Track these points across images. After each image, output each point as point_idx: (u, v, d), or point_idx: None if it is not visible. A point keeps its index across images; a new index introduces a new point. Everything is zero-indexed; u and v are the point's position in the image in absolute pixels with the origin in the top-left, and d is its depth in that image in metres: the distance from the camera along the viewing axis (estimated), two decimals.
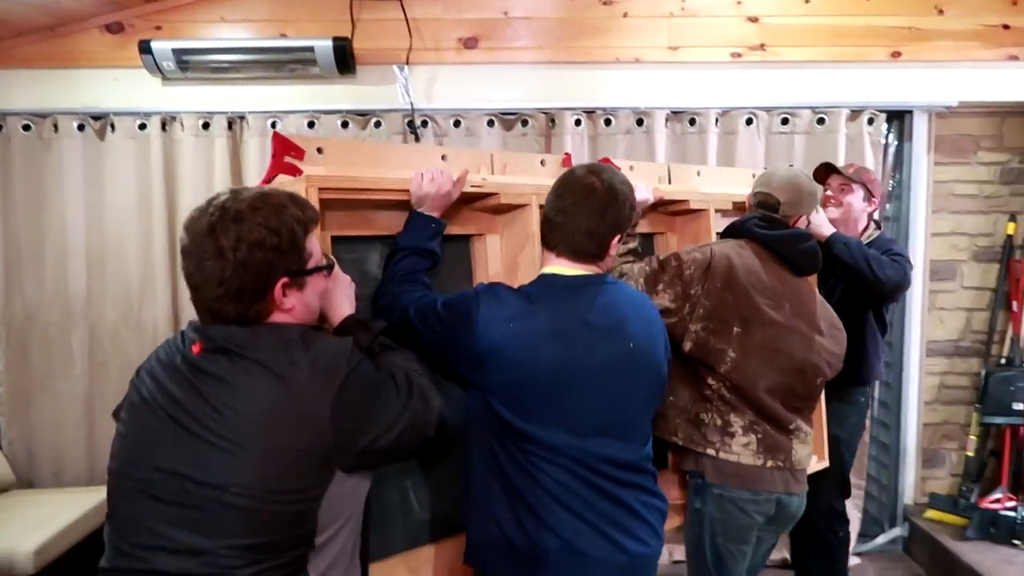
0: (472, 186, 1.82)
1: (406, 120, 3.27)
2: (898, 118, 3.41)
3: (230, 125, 3.25)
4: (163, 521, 1.22)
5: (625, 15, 3.27)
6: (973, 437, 3.52)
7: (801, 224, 2.17)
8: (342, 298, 1.52)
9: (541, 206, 1.78)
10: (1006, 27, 3.30)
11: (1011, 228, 3.51)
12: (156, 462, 1.24)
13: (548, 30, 3.28)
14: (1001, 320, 3.55)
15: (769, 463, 1.95)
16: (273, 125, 3.24)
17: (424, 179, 1.73)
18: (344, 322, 1.50)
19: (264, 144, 3.22)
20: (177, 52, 3.07)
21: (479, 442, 1.60)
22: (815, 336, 2.02)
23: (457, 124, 3.31)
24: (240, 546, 1.21)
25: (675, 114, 3.33)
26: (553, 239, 1.64)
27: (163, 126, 3.21)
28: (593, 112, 3.31)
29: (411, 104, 3.23)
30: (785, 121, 3.31)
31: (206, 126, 3.22)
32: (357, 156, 1.78)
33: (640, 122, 3.29)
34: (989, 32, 3.30)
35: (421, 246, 1.73)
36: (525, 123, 3.32)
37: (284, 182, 1.63)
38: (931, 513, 3.49)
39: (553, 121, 3.31)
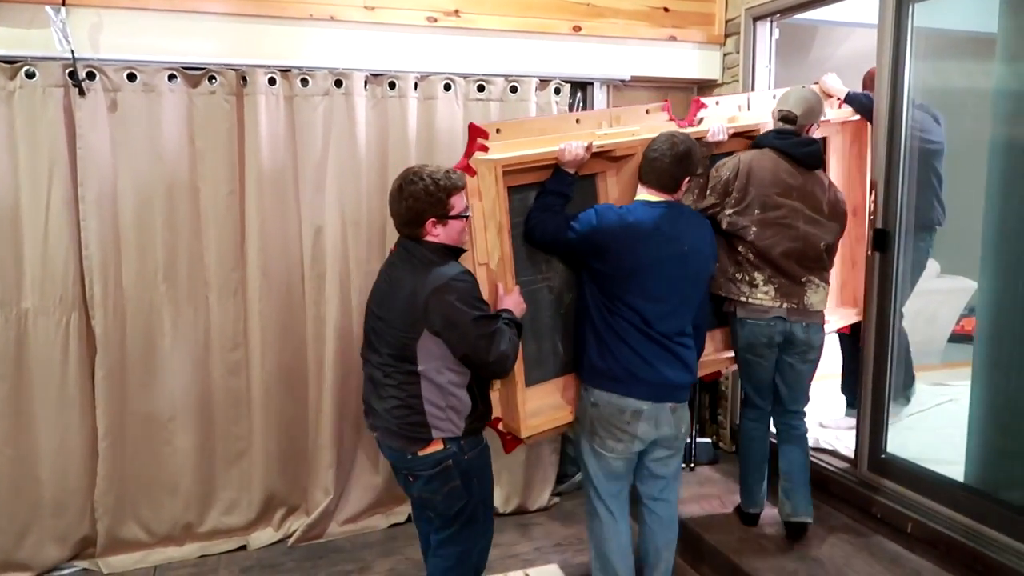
0: (597, 147, 2.57)
1: (67, 71, 2.87)
2: (581, 89, 3.68)
3: None
4: (371, 336, 2.37)
5: None
6: None
7: (813, 132, 2.94)
8: (510, 304, 2.41)
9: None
10: (667, 10, 3.70)
11: None
12: (370, 306, 2.39)
13: None
14: None
15: (785, 305, 2.85)
16: None
17: (566, 151, 2.50)
18: (500, 310, 2.38)
19: None
20: None
21: (585, 309, 2.53)
22: (817, 216, 2.84)
23: (132, 78, 2.97)
24: (387, 354, 2.29)
25: (375, 77, 3.28)
26: (646, 175, 2.54)
27: None
28: (288, 71, 3.16)
29: (72, 52, 2.83)
30: (481, 88, 3.41)
31: None
32: (524, 130, 2.57)
33: (339, 83, 3.20)
34: (653, 14, 3.68)
35: (560, 190, 2.55)
36: (212, 79, 3.08)
37: (478, 157, 2.41)
38: None
39: (245, 79, 3.10)
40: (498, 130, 2.47)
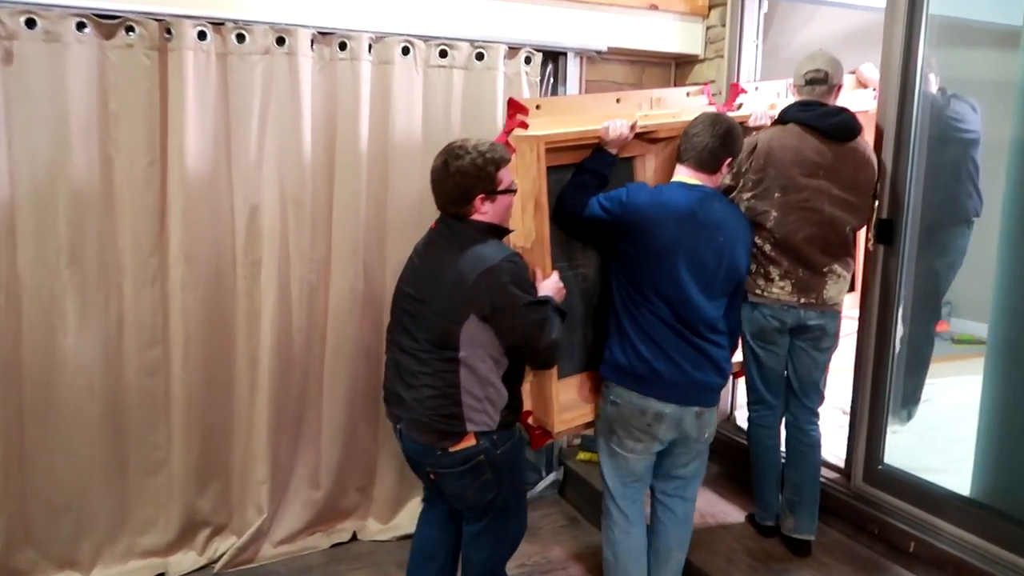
0: (641, 127, 2.50)
1: None
2: (553, 59, 3.35)
3: None
4: (404, 319, 2.26)
5: None
6: None
7: (841, 94, 2.68)
8: (549, 289, 2.27)
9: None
10: None
11: None
12: (405, 288, 2.29)
13: None
14: None
15: (802, 300, 2.66)
16: None
17: (610, 128, 2.42)
18: (540, 297, 2.23)
19: None
20: None
21: (611, 300, 2.42)
22: (846, 195, 2.61)
23: (32, 24, 2.53)
24: (425, 339, 2.17)
25: (323, 35, 2.89)
26: (684, 153, 2.40)
27: None
28: (222, 24, 2.75)
29: None
30: (444, 54, 3.05)
31: None
32: (563, 108, 2.52)
33: (281, 41, 2.80)
34: None
35: (599, 170, 2.45)
36: (130, 30, 2.64)
37: (518, 133, 2.34)
38: (581, 455, 3.63)
39: (170, 31, 2.68)
40: (538, 106, 2.42)
